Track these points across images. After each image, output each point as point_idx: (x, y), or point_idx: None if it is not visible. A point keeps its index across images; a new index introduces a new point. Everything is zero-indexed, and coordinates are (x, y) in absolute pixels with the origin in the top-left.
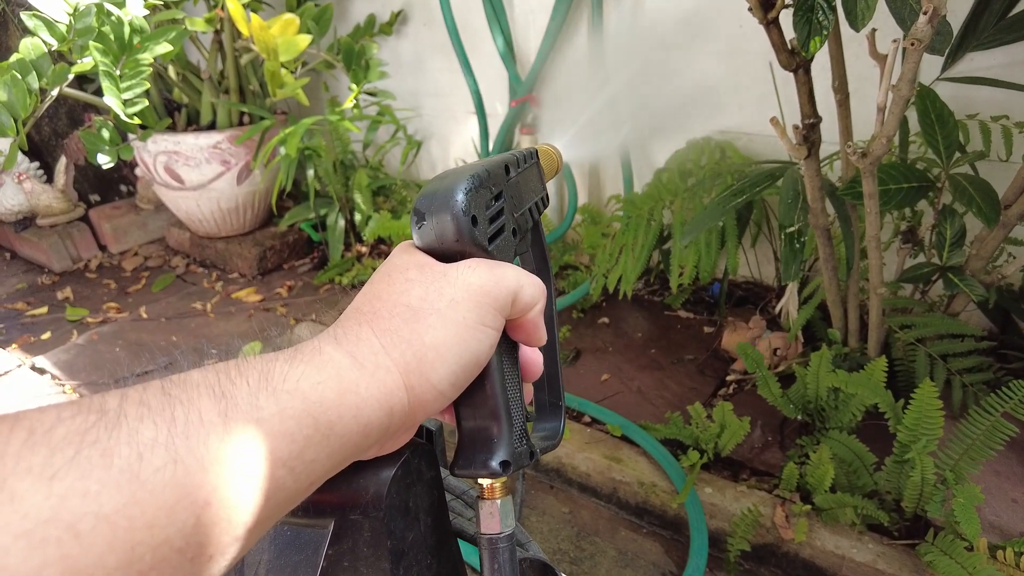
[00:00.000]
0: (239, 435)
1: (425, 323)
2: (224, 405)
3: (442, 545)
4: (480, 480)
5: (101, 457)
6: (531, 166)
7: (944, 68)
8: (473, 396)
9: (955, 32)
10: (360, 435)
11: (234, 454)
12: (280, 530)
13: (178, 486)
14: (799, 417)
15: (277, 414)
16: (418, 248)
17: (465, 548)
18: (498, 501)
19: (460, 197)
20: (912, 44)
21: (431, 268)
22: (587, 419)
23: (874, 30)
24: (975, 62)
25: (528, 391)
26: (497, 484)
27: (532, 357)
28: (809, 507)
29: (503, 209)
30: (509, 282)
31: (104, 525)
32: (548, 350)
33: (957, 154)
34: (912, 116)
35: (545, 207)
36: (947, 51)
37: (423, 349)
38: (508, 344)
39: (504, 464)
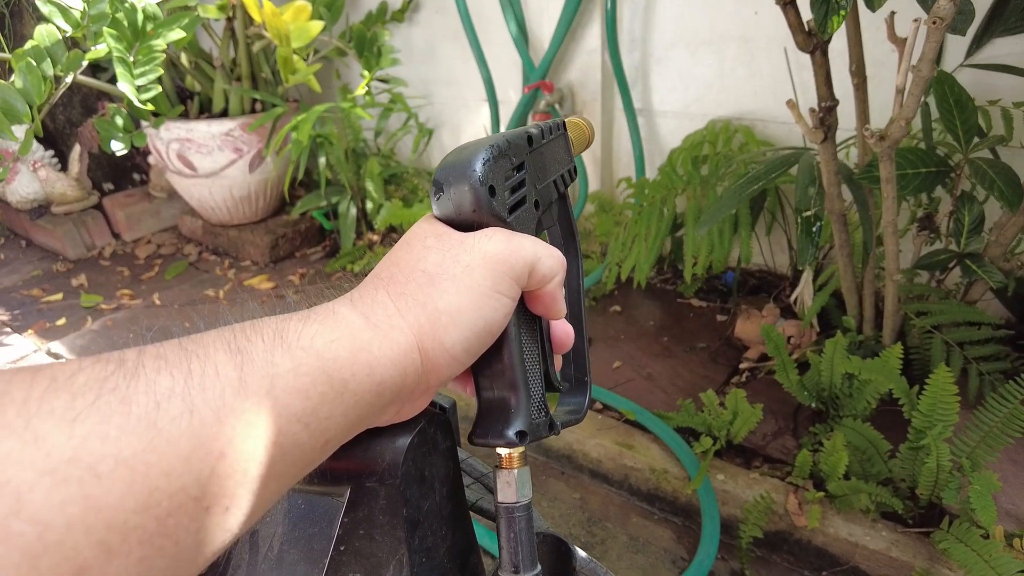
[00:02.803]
0: (254, 389)
1: (440, 288)
2: (240, 360)
3: (457, 516)
4: (498, 450)
5: (120, 404)
6: (557, 137)
7: (968, 54)
8: (491, 366)
9: (980, 17)
10: (374, 394)
11: (249, 407)
12: (294, 502)
13: (194, 435)
14: (813, 404)
15: (292, 370)
16: (438, 219)
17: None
18: (515, 471)
19: (478, 167)
20: (934, 23)
21: (448, 236)
22: (599, 406)
23: (892, 12)
24: (998, 48)
25: (558, 363)
26: (515, 454)
27: (563, 328)
28: (822, 494)
29: (524, 180)
30: (526, 252)
31: (123, 468)
32: (575, 324)
33: (976, 139)
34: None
35: (573, 180)
36: (972, 36)
37: (437, 313)
38: (527, 315)
39: (520, 434)
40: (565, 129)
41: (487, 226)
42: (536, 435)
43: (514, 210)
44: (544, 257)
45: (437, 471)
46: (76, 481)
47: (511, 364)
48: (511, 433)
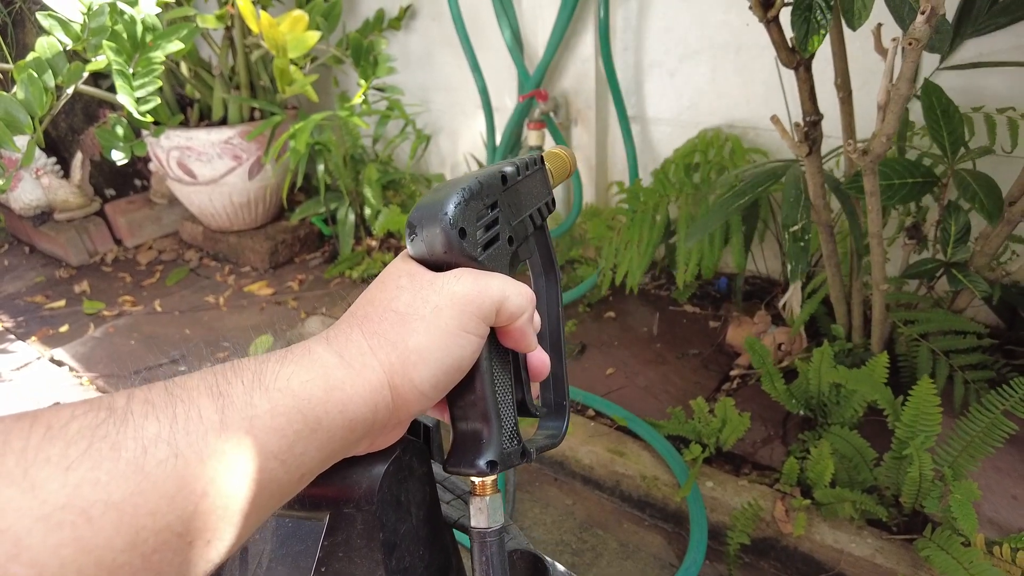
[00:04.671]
0: (234, 431)
1: (410, 328)
2: (221, 403)
3: (435, 537)
4: (471, 477)
5: (110, 450)
6: (534, 172)
7: (943, 58)
8: (464, 397)
9: (950, 20)
10: (347, 429)
11: (229, 448)
12: (281, 522)
13: (178, 477)
14: (801, 412)
15: (269, 411)
16: (412, 258)
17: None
18: (487, 498)
19: (450, 210)
20: (910, 43)
21: (420, 276)
22: (591, 412)
23: (879, 24)
24: (983, 47)
25: (535, 390)
26: (487, 482)
27: (540, 357)
28: (809, 502)
29: (498, 218)
30: (493, 292)
31: (112, 511)
32: (554, 350)
33: (963, 150)
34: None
35: (551, 211)
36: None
37: (407, 352)
38: (499, 348)
39: (491, 464)
40: (543, 163)
41: (459, 266)
42: (507, 464)
43: (488, 247)
44: (512, 296)
45: (413, 496)
46: (69, 525)
47: (483, 396)
48: (482, 463)
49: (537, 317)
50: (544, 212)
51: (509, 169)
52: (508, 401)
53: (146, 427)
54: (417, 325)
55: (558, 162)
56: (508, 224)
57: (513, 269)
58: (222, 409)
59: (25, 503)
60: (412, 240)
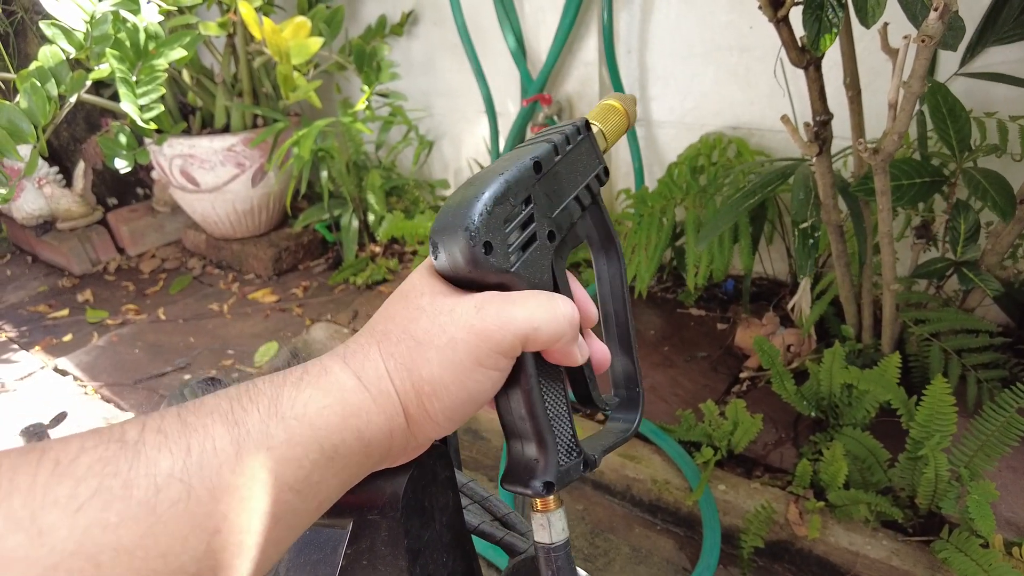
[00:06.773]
0: (249, 463)
1: (424, 357)
2: (237, 433)
3: (457, 543)
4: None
5: (122, 489)
6: (577, 145)
7: (962, 63)
8: (513, 414)
9: (974, 26)
10: (362, 455)
11: (244, 483)
12: None
13: (191, 517)
14: (813, 414)
15: (286, 442)
16: (438, 271)
17: (481, 544)
18: (549, 514)
19: (472, 224)
20: (923, 41)
21: (441, 301)
22: (600, 417)
23: (886, 24)
24: (994, 57)
25: (605, 369)
26: (550, 498)
27: (599, 349)
28: (823, 504)
29: (533, 215)
30: (517, 325)
31: (123, 556)
32: (621, 335)
33: (970, 149)
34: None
35: (603, 183)
36: (966, 46)
37: (420, 382)
38: (545, 363)
39: (548, 485)
40: (588, 129)
41: (486, 281)
42: (565, 481)
43: (526, 247)
44: (542, 325)
45: (437, 501)
46: (78, 573)
47: (532, 414)
48: (538, 484)
49: (593, 311)
50: (595, 187)
51: (543, 153)
52: (562, 413)
53: (159, 462)
54: (432, 355)
55: (613, 118)
56: (547, 217)
57: (562, 258)
58: (238, 440)
59: (32, 552)
60: (436, 257)
